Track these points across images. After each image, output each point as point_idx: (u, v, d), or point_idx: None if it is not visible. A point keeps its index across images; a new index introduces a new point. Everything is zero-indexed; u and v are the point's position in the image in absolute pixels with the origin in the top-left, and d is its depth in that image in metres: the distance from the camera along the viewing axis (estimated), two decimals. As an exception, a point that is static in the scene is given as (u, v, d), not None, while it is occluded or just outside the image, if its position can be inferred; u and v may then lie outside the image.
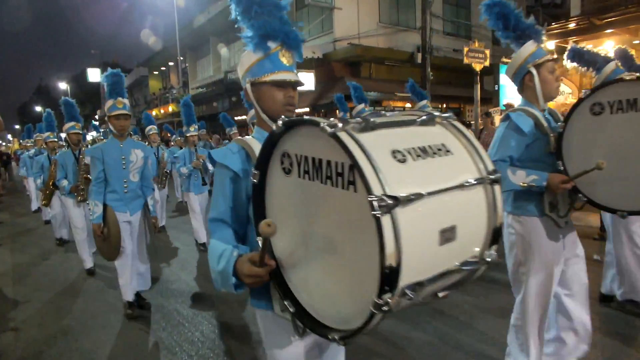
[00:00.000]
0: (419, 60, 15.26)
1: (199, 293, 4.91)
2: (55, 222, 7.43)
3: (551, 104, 2.76)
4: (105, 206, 4.01)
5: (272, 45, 1.63)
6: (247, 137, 1.70)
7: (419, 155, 1.15)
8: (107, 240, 4.01)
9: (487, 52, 13.94)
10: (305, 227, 1.32)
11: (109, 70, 4.04)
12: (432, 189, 1.08)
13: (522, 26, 2.60)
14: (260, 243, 1.36)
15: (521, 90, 2.65)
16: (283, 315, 1.54)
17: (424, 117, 1.28)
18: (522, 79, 2.61)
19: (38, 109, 61.74)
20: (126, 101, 4.07)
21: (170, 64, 29.63)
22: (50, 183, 6.46)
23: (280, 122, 1.29)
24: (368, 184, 0.99)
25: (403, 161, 1.11)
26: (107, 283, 5.31)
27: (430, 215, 1.09)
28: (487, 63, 13.89)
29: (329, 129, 1.08)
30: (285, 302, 1.42)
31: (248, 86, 1.67)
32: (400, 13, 18.11)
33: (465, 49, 13.63)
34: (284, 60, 1.65)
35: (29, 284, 5.51)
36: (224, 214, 1.62)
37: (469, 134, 1.31)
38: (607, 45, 9.35)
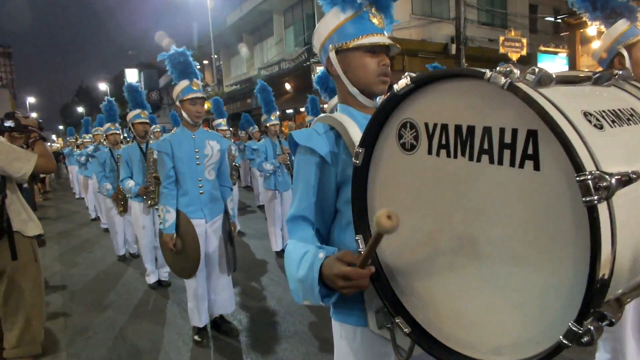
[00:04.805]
0: (454, 52, 15.08)
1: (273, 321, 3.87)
2: (117, 240, 6.11)
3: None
4: (178, 212, 3.33)
5: (362, 3, 1.38)
6: (334, 114, 1.40)
7: (613, 121, 0.89)
8: (183, 255, 3.35)
9: (524, 40, 13.63)
10: (434, 224, 1.03)
11: (173, 49, 3.36)
12: None
13: (612, 4, 2.28)
14: (360, 243, 1.15)
15: None
16: (381, 334, 1.26)
17: (598, 75, 1.01)
18: (611, 62, 2.33)
19: (80, 109, 64.46)
20: (201, 83, 3.43)
21: (205, 62, 30.18)
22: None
23: (406, 80, 1.01)
24: (577, 158, 0.72)
25: (600, 127, 0.84)
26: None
27: None
28: (524, 52, 13.59)
29: (502, 79, 0.80)
30: (397, 320, 1.13)
31: (332, 55, 1.39)
32: (434, 4, 17.84)
33: (501, 39, 13.39)
34: (375, 21, 1.39)
35: (76, 277, 5.65)
36: (306, 210, 1.34)
37: None
38: None
